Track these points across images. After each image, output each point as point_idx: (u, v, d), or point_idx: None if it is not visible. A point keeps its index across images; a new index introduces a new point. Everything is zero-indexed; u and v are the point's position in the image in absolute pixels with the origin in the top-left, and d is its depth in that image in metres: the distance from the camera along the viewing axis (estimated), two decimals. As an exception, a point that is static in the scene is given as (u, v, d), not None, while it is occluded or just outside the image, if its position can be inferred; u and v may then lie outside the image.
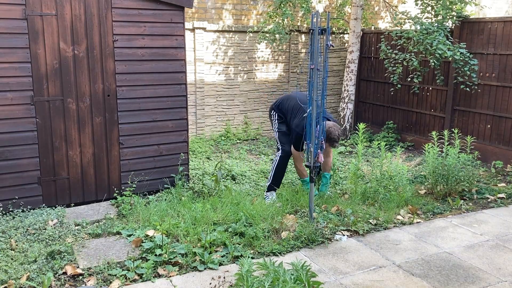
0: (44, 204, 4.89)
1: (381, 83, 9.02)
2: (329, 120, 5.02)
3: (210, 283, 3.47)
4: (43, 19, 4.64)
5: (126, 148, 5.24)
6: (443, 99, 7.87)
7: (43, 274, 3.51)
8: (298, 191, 5.24)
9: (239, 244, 4.03)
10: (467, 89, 7.29)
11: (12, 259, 3.74)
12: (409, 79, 8.15)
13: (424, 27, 7.39)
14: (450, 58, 7.08)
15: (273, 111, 5.51)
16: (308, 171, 4.91)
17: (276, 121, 5.44)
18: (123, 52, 5.05)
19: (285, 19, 8.30)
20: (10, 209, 4.72)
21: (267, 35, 8.37)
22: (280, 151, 5.34)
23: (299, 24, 9.60)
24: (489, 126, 7.15)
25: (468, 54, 7.07)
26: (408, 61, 7.77)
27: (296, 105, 5.19)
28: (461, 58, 7.03)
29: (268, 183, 5.38)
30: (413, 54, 7.74)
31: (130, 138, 5.25)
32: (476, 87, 7.23)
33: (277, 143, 5.44)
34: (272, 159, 6.20)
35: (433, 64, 7.32)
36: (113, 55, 5.01)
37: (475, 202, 5.41)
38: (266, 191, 5.40)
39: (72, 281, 3.49)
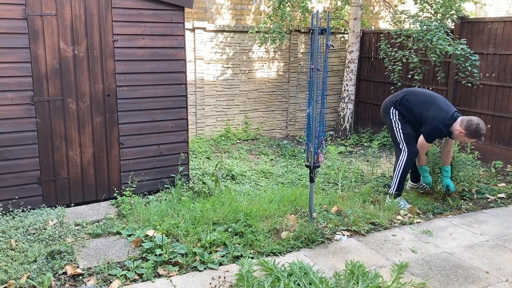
0: (44, 204, 4.90)
1: (381, 83, 9.02)
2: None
3: (210, 283, 3.47)
4: (43, 19, 4.64)
5: (126, 148, 5.24)
6: (443, 99, 7.87)
7: (43, 274, 3.51)
8: (299, 191, 5.24)
9: (239, 244, 4.03)
10: (469, 84, 7.27)
11: (12, 259, 3.74)
12: (409, 76, 8.11)
13: (423, 24, 7.39)
14: (451, 54, 7.06)
15: (393, 108, 5.18)
16: (310, 171, 4.88)
17: (398, 121, 5.12)
18: (123, 52, 5.05)
19: (284, 20, 8.30)
20: (10, 209, 4.72)
21: (267, 35, 8.37)
22: (406, 153, 5.05)
23: (297, 23, 9.59)
24: (489, 126, 7.15)
25: (469, 50, 7.05)
26: (408, 58, 7.76)
27: (429, 98, 5.05)
28: (462, 54, 7.01)
29: (394, 189, 5.15)
30: (412, 51, 7.74)
31: (130, 138, 5.25)
32: (477, 83, 7.21)
33: (401, 144, 5.10)
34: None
35: (434, 60, 7.30)
36: (113, 55, 5.01)
37: (475, 202, 5.41)
38: (394, 198, 5.12)
39: (72, 281, 3.49)
